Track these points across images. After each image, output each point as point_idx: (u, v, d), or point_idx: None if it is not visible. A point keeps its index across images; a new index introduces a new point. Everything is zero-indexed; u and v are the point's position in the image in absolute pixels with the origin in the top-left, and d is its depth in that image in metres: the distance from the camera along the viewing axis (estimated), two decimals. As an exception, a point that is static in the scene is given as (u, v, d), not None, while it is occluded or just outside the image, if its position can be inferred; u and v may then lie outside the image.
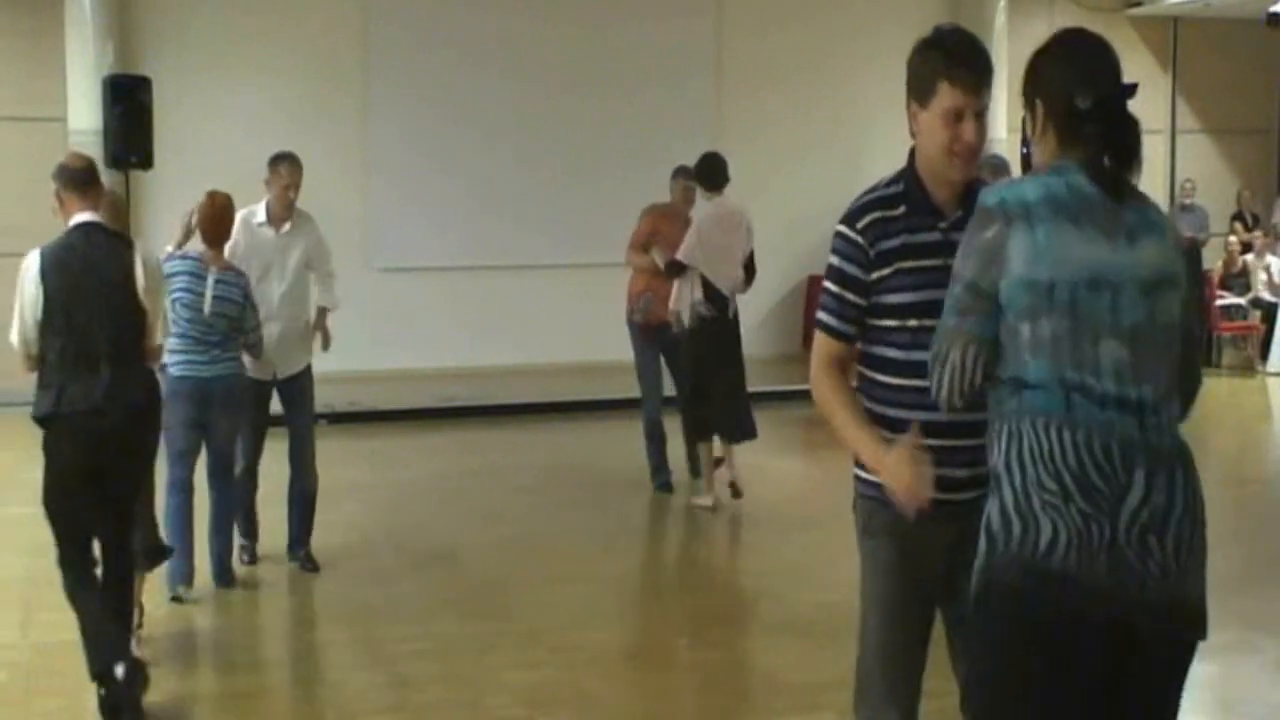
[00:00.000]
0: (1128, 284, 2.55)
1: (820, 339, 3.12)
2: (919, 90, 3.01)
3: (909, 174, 3.09)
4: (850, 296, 3.06)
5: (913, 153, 3.10)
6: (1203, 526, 2.60)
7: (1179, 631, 2.60)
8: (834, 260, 3.09)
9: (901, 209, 3.06)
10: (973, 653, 2.76)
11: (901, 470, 2.85)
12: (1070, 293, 2.53)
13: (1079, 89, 2.58)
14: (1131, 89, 2.61)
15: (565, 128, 13.62)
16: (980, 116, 2.98)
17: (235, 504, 6.44)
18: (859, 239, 3.04)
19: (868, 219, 3.06)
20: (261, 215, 6.73)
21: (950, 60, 2.98)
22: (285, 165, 6.76)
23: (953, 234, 3.03)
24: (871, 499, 3.14)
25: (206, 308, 6.03)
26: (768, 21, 14.23)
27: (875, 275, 3.03)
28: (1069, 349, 2.53)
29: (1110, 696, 2.59)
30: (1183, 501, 2.55)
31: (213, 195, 6.29)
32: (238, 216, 6.49)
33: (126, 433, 4.74)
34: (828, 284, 3.10)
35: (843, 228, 3.09)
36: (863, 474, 3.17)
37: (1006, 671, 2.59)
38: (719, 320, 8.03)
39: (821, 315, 3.11)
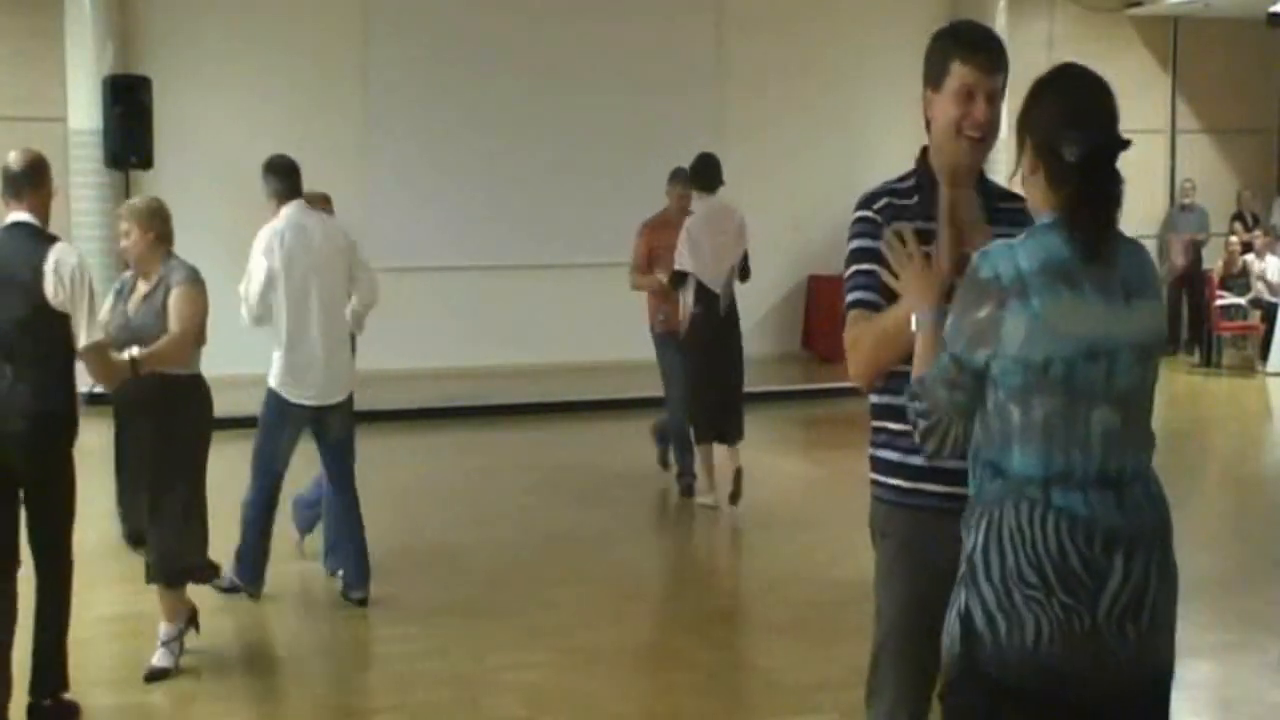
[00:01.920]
0: (1124, 350, 2.50)
1: (851, 317, 3.05)
2: (933, 75, 3.01)
3: (921, 168, 3.09)
4: (877, 270, 3.00)
5: (924, 151, 3.10)
6: (1175, 601, 2.67)
7: (1153, 696, 2.64)
8: (855, 243, 3.07)
9: (914, 199, 3.06)
10: None
11: (917, 287, 2.81)
12: (1066, 368, 2.47)
13: (1068, 137, 2.48)
14: (1124, 144, 2.53)
15: (565, 127, 13.62)
16: (992, 100, 2.95)
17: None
18: (876, 217, 3.03)
19: (882, 202, 3.06)
20: None
21: (962, 42, 2.99)
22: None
23: None
24: (886, 502, 3.16)
25: None
26: (768, 21, 14.23)
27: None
28: (1060, 430, 2.48)
29: None
30: (1158, 576, 2.58)
31: None
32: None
33: (27, 437, 4.57)
34: (853, 266, 3.06)
35: (859, 211, 3.09)
36: (879, 477, 3.17)
37: None
38: (708, 318, 8.03)
39: (852, 295, 3.05)
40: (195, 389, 5.28)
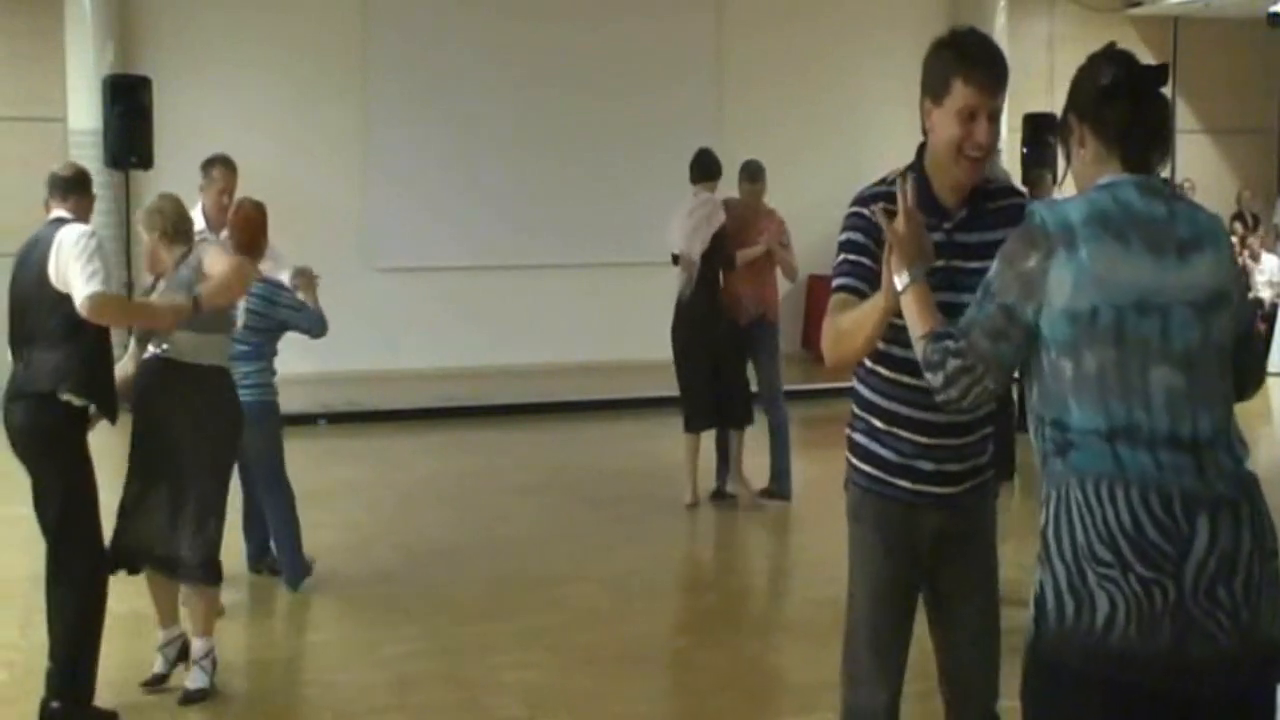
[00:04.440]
0: (1178, 305, 2.42)
1: (832, 301, 3.04)
2: (933, 87, 3.00)
3: (916, 171, 3.07)
4: (865, 260, 3.00)
5: (921, 150, 3.09)
6: (1274, 557, 2.43)
7: (1255, 678, 2.42)
8: (846, 235, 3.07)
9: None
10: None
11: (903, 248, 2.79)
12: (1115, 318, 2.40)
13: (1102, 70, 2.52)
14: (1160, 70, 2.53)
15: (565, 126, 13.62)
16: (994, 119, 2.96)
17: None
18: (871, 216, 3.02)
19: (879, 204, 3.05)
20: (199, 222, 6.51)
21: (965, 59, 2.97)
22: (218, 169, 6.65)
23: (957, 234, 3.03)
24: (861, 487, 3.20)
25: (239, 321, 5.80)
26: (768, 19, 14.24)
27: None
28: (1116, 383, 2.40)
29: None
30: (1250, 539, 2.39)
31: (240, 203, 6.11)
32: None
33: (31, 419, 4.60)
34: (842, 255, 3.07)
35: (855, 207, 3.09)
36: (854, 461, 3.22)
37: None
38: (683, 308, 8.19)
39: (838, 280, 3.06)
40: (224, 380, 5.18)
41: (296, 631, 6.02)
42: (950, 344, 2.56)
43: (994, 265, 2.54)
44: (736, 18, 14.28)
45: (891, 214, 2.89)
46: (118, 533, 4.97)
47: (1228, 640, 2.34)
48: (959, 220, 3.04)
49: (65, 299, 4.55)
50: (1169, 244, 2.45)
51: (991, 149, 2.99)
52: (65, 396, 4.61)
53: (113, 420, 4.81)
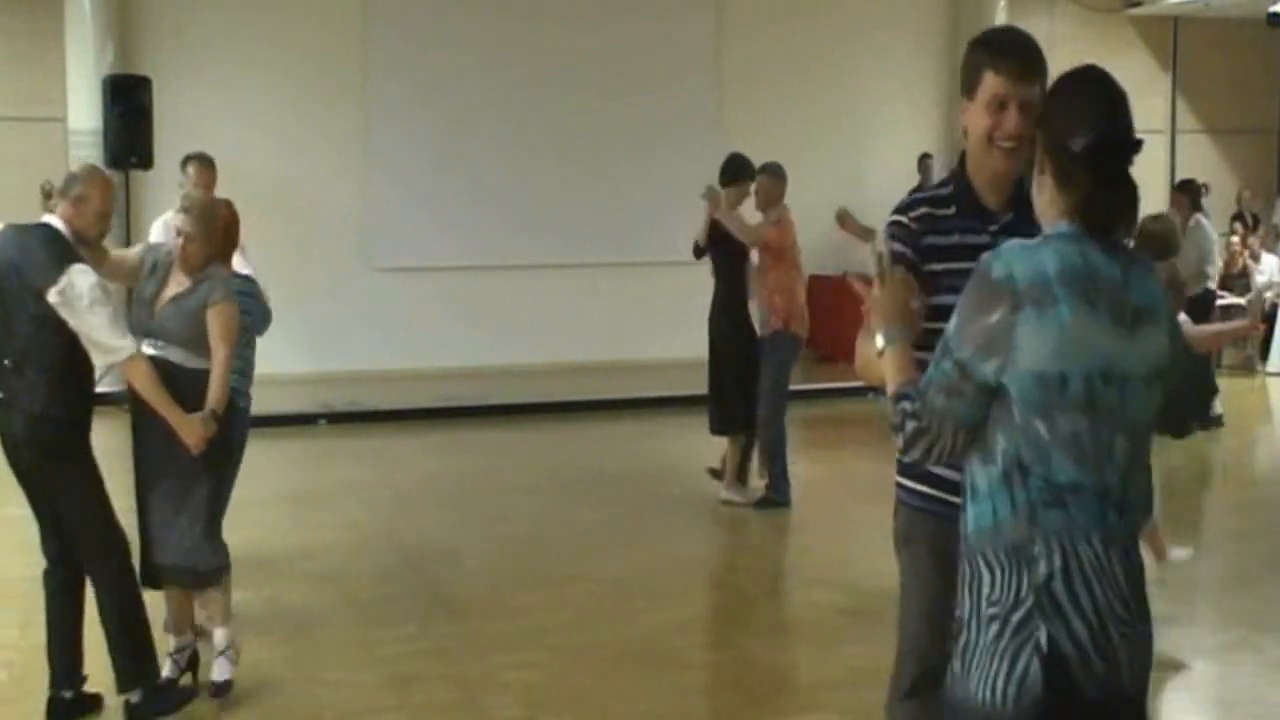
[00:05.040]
0: (1133, 378, 2.41)
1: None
2: (967, 83, 2.97)
3: (959, 176, 3.06)
4: (908, 253, 2.97)
5: (963, 157, 3.07)
6: None
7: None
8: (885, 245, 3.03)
9: (952, 209, 3.03)
10: None
11: (884, 305, 2.72)
12: (1085, 386, 2.36)
13: (1078, 130, 2.41)
14: (1136, 143, 2.43)
15: (565, 127, 13.63)
16: (1025, 108, 2.87)
17: None
18: (911, 224, 3.01)
19: (920, 210, 3.04)
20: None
21: (994, 50, 2.95)
22: (193, 165, 6.66)
23: (1002, 238, 2.99)
24: (911, 507, 3.16)
25: None
26: (768, 19, 14.23)
27: (925, 268, 2.97)
28: (1091, 448, 2.38)
29: None
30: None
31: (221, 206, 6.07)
32: (159, 219, 6.43)
33: (27, 440, 4.62)
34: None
35: (895, 216, 3.07)
36: (907, 482, 3.17)
37: None
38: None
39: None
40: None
41: (296, 631, 6.01)
42: (907, 405, 2.52)
43: (952, 322, 2.46)
44: (736, 18, 14.28)
45: (932, 221, 2.90)
46: (143, 550, 4.99)
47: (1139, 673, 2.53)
48: (1004, 223, 2.99)
49: (68, 333, 4.54)
50: (1126, 312, 2.40)
51: (1024, 139, 2.88)
52: (55, 415, 4.64)
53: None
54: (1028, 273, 2.36)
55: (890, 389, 2.61)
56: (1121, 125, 2.44)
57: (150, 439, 4.97)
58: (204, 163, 6.64)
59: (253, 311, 5.87)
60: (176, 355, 4.97)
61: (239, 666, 5.18)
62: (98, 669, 4.86)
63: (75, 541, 4.74)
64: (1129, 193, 2.44)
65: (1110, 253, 2.42)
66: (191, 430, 4.78)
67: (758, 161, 8.57)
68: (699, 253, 8.45)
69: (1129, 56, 15.40)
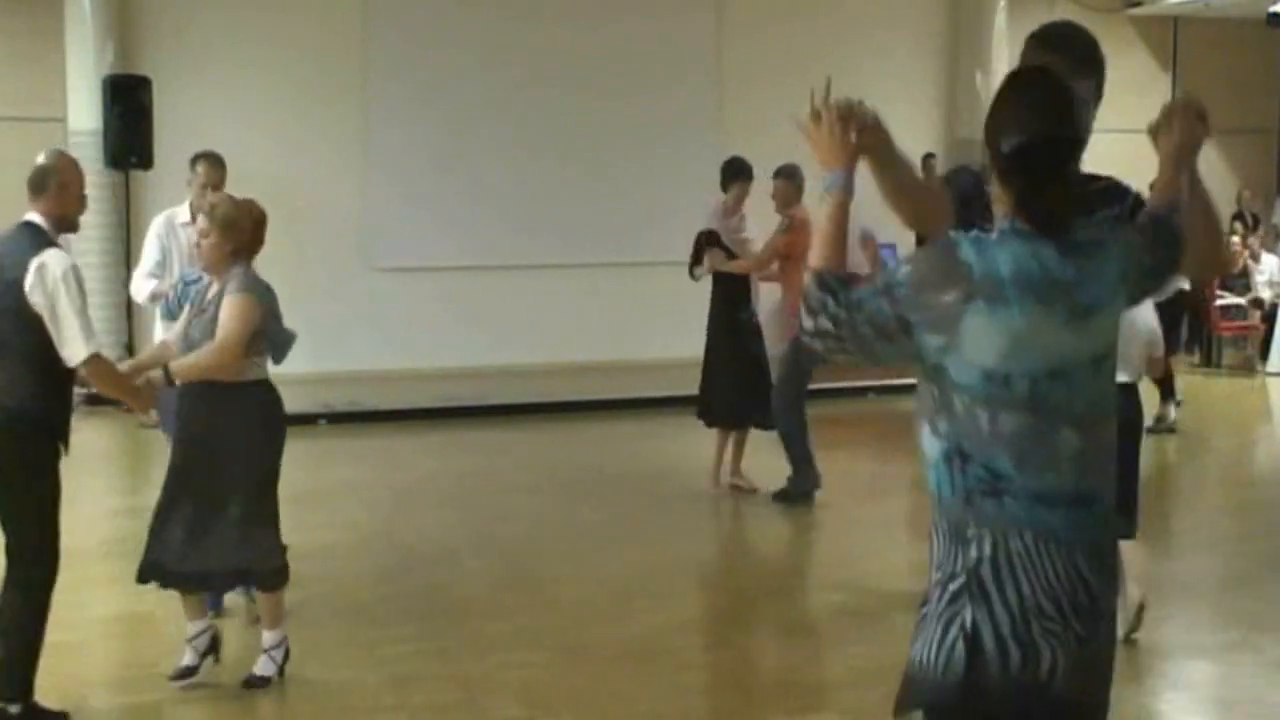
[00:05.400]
0: (1080, 368, 2.42)
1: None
2: None
3: None
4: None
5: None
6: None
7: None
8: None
9: None
10: None
11: (827, 144, 2.73)
12: (1030, 385, 2.39)
13: (1005, 131, 2.43)
14: (1066, 142, 2.44)
15: (565, 126, 13.62)
16: None
17: None
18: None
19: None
20: (185, 215, 6.51)
21: (1044, 44, 2.96)
22: (202, 164, 6.65)
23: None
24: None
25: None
26: (768, 19, 14.22)
27: None
28: (1032, 447, 2.40)
29: None
30: (1112, 583, 2.53)
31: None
32: (160, 219, 6.42)
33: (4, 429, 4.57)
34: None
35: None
36: None
37: None
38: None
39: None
40: (257, 393, 5.15)
41: (296, 631, 6.01)
42: (833, 306, 2.48)
43: (904, 271, 2.45)
44: (736, 18, 14.27)
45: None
46: (150, 547, 5.02)
47: (1109, 671, 2.53)
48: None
49: (42, 325, 4.53)
50: (1078, 310, 2.42)
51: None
52: (33, 414, 4.61)
53: (66, 448, 4.75)
54: (983, 268, 2.38)
55: (815, 260, 2.56)
56: (1053, 127, 2.44)
57: (192, 456, 5.07)
58: (214, 161, 6.64)
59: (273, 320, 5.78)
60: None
61: (220, 673, 5.21)
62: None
63: (21, 543, 4.67)
64: (1059, 193, 2.43)
65: (1064, 251, 2.42)
66: (144, 402, 4.92)
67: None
68: (695, 278, 8.47)
69: (1129, 56, 15.39)
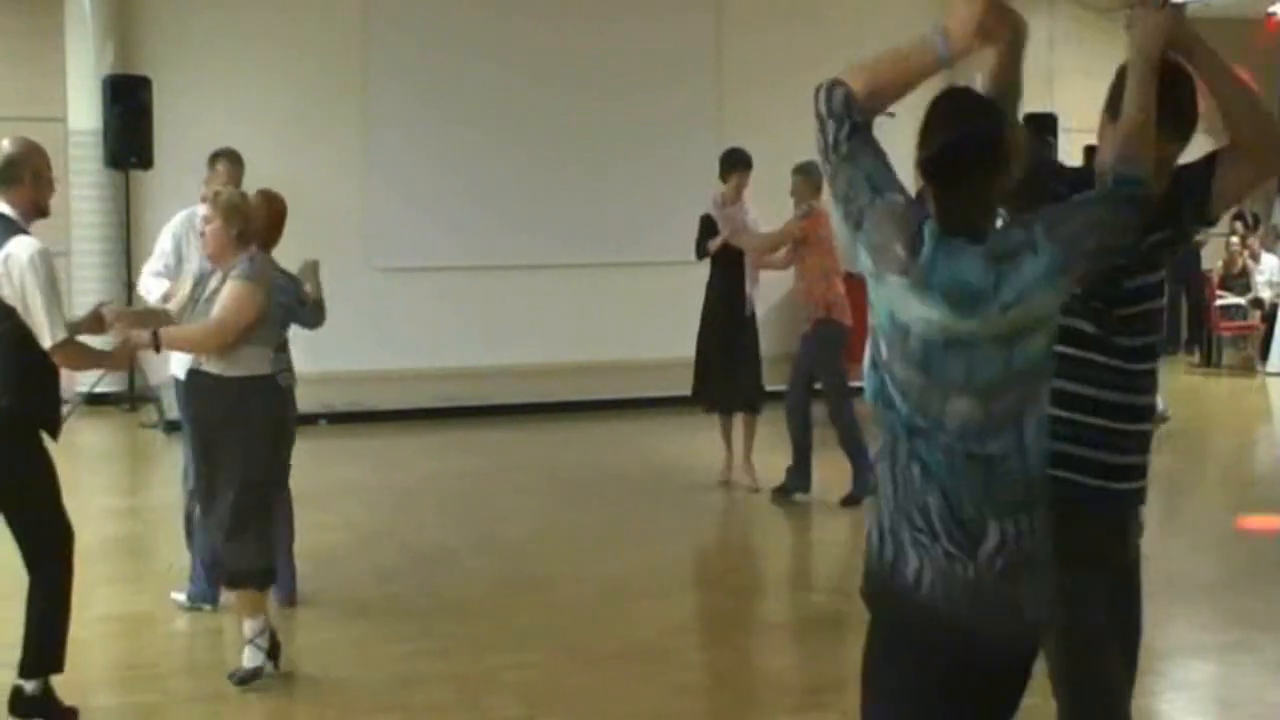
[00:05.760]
0: (985, 342, 2.49)
1: None
2: (1110, 103, 3.14)
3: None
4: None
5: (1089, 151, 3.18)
6: (1044, 557, 2.62)
7: (1026, 657, 2.63)
8: None
9: None
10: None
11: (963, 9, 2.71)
12: (923, 348, 2.50)
13: (921, 144, 2.55)
14: (966, 147, 2.51)
15: (565, 126, 13.62)
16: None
17: None
18: None
19: None
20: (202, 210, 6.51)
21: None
22: (221, 163, 6.66)
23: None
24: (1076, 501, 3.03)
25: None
26: (768, 19, 14.23)
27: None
28: (919, 402, 2.52)
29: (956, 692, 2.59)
30: (1032, 542, 2.56)
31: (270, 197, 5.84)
32: (181, 215, 6.42)
33: None
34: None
35: None
36: (1065, 474, 3.05)
37: (870, 671, 2.68)
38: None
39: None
40: (259, 391, 5.14)
41: (297, 631, 6.01)
42: (835, 131, 2.62)
43: (890, 198, 2.54)
44: (736, 18, 14.28)
45: None
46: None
47: (1012, 625, 2.55)
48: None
49: (15, 315, 4.51)
50: (994, 308, 2.47)
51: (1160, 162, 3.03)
52: (10, 406, 4.57)
53: (54, 436, 4.74)
54: (928, 254, 2.47)
55: (855, 76, 2.66)
56: (956, 139, 2.52)
57: (200, 449, 5.19)
58: (233, 159, 6.66)
59: (291, 308, 5.77)
60: (214, 366, 5.05)
61: (218, 673, 5.23)
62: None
63: (29, 538, 4.68)
64: (963, 201, 2.51)
65: (988, 255, 2.48)
66: (119, 363, 5.00)
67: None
68: (703, 253, 8.44)
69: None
